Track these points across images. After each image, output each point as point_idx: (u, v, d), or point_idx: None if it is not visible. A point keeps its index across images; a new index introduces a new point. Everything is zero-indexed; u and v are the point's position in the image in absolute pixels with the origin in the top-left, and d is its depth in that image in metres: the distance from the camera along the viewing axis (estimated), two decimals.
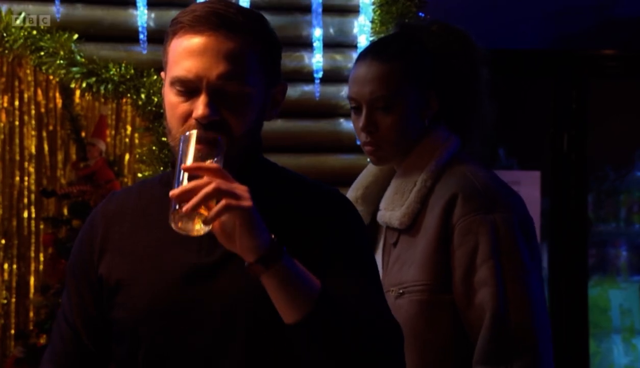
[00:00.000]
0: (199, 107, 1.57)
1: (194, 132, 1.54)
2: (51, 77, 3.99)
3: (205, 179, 1.46)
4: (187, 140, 1.53)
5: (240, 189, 1.46)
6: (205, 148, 1.53)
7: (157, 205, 1.68)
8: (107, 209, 1.75)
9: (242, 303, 1.60)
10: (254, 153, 1.69)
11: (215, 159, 1.53)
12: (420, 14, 3.98)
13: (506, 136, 5.28)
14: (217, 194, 1.44)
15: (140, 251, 1.66)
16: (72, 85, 3.87)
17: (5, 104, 5.08)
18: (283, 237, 1.52)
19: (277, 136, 3.82)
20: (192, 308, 1.61)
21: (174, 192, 1.46)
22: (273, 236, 1.50)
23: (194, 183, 1.45)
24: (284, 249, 1.50)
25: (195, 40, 1.58)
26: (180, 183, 1.49)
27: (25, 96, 5.08)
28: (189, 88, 1.59)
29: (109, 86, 3.83)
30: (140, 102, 3.86)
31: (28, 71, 4.99)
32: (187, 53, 1.59)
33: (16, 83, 5.08)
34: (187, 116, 1.59)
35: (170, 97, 1.62)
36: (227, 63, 1.57)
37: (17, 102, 5.08)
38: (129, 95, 3.87)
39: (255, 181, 1.60)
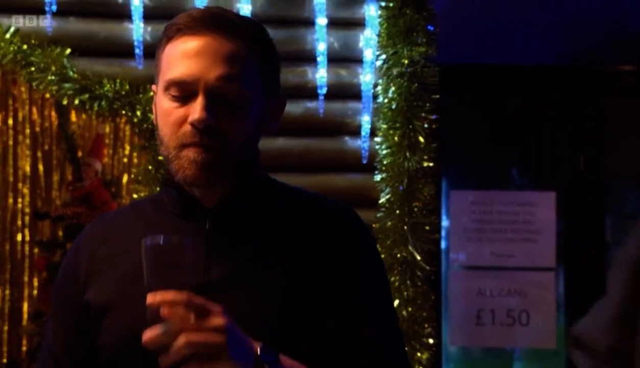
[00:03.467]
0: (196, 110, 1.48)
1: (160, 238, 1.39)
2: (47, 95, 3.84)
3: (175, 324, 1.33)
4: (150, 250, 1.38)
5: (216, 322, 1.34)
6: (173, 254, 1.38)
7: (147, 224, 1.60)
8: (94, 231, 1.67)
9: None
10: (252, 166, 1.60)
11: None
12: (429, 27, 3.86)
13: (519, 154, 5.18)
14: (190, 350, 1.33)
15: (128, 272, 1.55)
16: (65, 102, 3.74)
17: None
18: (286, 257, 1.50)
19: (278, 154, 3.79)
20: None
21: (145, 339, 1.35)
22: (258, 349, 1.39)
23: (162, 335, 1.33)
24: (273, 358, 1.40)
25: (192, 43, 1.51)
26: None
27: (20, 114, 4.92)
28: (184, 91, 1.50)
29: (103, 102, 3.74)
30: (135, 120, 3.77)
31: (23, 89, 4.83)
32: (183, 55, 1.51)
33: (10, 101, 4.91)
34: (182, 121, 1.50)
35: (164, 104, 1.53)
36: (226, 65, 1.50)
37: (11, 121, 4.91)
38: (123, 112, 3.76)
39: (255, 197, 1.57)
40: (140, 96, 3.72)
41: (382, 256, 3.68)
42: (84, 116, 4.52)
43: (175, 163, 1.51)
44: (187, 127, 1.49)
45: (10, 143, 4.93)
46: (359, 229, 1.62)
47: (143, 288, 1.48)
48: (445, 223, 5.24)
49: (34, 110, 4.92)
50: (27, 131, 4.92)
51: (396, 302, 3.71)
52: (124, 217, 1.68)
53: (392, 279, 3.72)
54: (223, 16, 1.53)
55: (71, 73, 3.72)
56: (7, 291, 4.95)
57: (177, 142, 1.50)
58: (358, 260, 1.58)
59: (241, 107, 1.50)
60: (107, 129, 4.85)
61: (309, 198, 1.65)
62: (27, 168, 4.94)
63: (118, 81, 3.72)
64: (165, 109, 1.52)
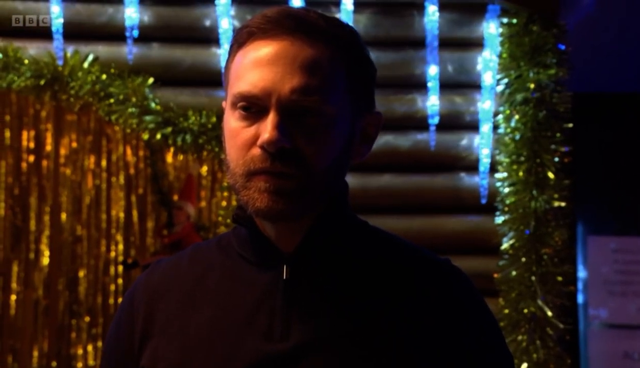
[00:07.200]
0: (266, 130, 1.30)
1: None
2: (128, 130, 3.57)
3: None
4: None
5: None
6: None
7: (213, 276, 1.44)
8: (151, 282, 1.48)
9: None
10: (337, 201, 1.41)
11: None
12: (560, 46, 3.60)
13: None
14: None
15: (192, 335, 1.40)
16: (145, 136, 3.45)
17: (92, 166, 4.69)
18: (381, 318, 1.35)
19: (385, 193, 3.59)
20: None
21: None
22: None
23: None
24: None
25: (265, 48, 1.34)
26: None
27: (114, 156, 4.70)
28: (255, 107, 1.33)
29: (187, 136, 3.55)
30: (222, 156, 3.39)
31: (117, 128, 4.61)
32: (254, 64, 1.34)
33: (104, 142, 4.71)
34: (251, 143, 1.32)
35: (231, 122, 1.35)
36: (305, 74, 1.32)
37: (104, 163, 4.70)
38: (209, 147, 3.54)
39: (342, 239, 1.41)
40: None
41: (506, 311, 3.49)
42: (180, 156, 4.24)
43: (244, 194, 1.33)
44: (256, 151, 1.31)
45: (104, 186, 4.75)
46: (467, 287, 1.45)
47: (209, 355, 1.38)
48: (581, 273, 5.05)
49: (128, 151, 4.71)
50: (121, 173, 4.70)
51: (524, 366, 3.44)
52: (184, 264, 1.48)
53: (519, 338, 3.46)
54: (303, 16, 1.35)
55: (153, 105, 3.51)
56: (100, 348, 4.70)
57: (244, 168, 1.32)
58: (472, 327, 1.42)
59: (323, 125, 1.33)
60: (204, 170, 4.58)
61: (406, 247, 1.47)
62: (121, 214, 4.72)
63: (204, 112, 3.50)
64: (233, 129, 1.34)
